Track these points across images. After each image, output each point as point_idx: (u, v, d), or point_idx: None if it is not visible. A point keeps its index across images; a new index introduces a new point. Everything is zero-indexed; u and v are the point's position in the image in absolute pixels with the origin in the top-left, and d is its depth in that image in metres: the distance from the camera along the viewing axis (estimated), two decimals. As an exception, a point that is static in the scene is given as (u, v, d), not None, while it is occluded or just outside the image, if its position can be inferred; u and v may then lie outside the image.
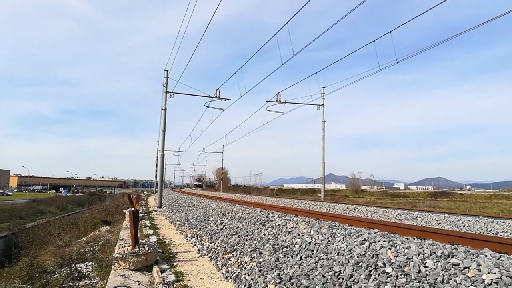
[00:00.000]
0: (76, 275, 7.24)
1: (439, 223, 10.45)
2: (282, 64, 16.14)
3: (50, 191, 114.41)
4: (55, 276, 7.08)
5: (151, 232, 11.49)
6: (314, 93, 28.26)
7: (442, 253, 4.00)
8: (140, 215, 15.58)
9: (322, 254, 5.24)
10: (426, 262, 3.91)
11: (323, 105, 28.97)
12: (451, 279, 3.50)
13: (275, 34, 14.32)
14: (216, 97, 23.31)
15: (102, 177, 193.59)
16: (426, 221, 10.89)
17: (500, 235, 8.44)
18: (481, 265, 3.51)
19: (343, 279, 4.34)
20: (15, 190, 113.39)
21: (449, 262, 3.77)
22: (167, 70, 23.18)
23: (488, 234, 8.54)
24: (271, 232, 7.30)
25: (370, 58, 20.56)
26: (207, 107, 24.38)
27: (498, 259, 3.70)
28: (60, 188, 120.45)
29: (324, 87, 28.76)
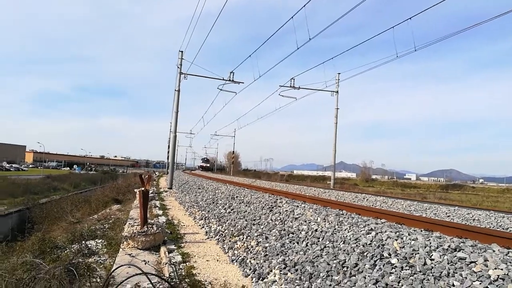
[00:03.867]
0: (86, 251, 7.41)
1: (448, 216, 10.36)
2: (298, 48, 15.92)
3: (64, 168, 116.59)
4: (65, 251, 7.26)
5: (160, 212, 11.66)
6: (328, 80, 27.90)
7: (449, 246, 3.96)
8: (150, 195, 15.81)
9: (327, 242, 5.25)
10: (432, 255, 3.88)
11: (337, 92, 28.65)
12: (456, 273, 3.47)
13: (292, 17, 14.09)
14: (229, 80, 23.20)
15: (115, 156, 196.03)
16: (435, 213, 10.80)
17: (511, 231, 8.33)
18: (488, 260, 3.47)
19: (347, 267, 4.35)
20: (30, 166, 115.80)
21: (455, 256, 3.73)
22: (182, 51, 23.11)
23: (498, 229, 8.43)
24: (278, 218, 7.33)
25: (388, 45, 20.17)
26: (221, 90, 24.32)
27: (506, 254, 3.65)
28: (74, 166, 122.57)
29: (339, 74, 28.40)
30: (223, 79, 23.21)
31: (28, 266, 6.34)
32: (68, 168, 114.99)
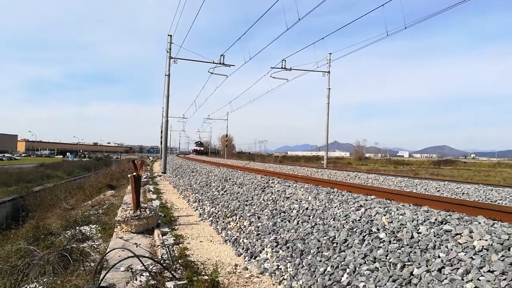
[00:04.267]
0: (80, 237, 7.45)
1: (438, 191, 10.51)
2: (288, 29, 15.78)
3: (58, 156, 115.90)
4: (59, 238, 7.30)
5: (154, 196, 11.70)
6: (320, 60, 27.69)
7: (435, 219, 4.03)
8: (144, 180, 15.83)
9: (318, 220, 5.32)
10: (419, 228, 3.95)
11: (328, 72, 28.53)
12: (442, 245, 3.54)
13: (280, -4, 13.85)
14: (220, 63, 22.98)
15: (109, 143, 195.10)
16: (426, 189, 10.95)
17: (498, 203, 8.48)
18: (473, 232, 3.53)
19: (337, 243, 4.43)
20: (23, 155, 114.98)
21: (442, 229, 3.80)
22: (171, 35, 22.77)
23: (486, 202, 8.58)
24: (270, 198, 7.39)
25: (378, 23, 19.98)
26: (211, 73, 24.12)
27: (491, 226, 3.73)
28: (67, 153, 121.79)
29: (330, 54, 28.21)
30: (214, 62, 22.98)
31: (22, 253, 6.38)
32: (61, 156, 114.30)
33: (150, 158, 59.58)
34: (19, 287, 5.22)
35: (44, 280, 5.12)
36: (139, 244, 5.21)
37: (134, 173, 7.91)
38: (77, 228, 8.52)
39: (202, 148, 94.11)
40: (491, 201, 8.90)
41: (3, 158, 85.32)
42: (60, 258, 5.64)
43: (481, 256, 3.18)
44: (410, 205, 5.28)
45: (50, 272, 5.29)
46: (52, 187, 27.91)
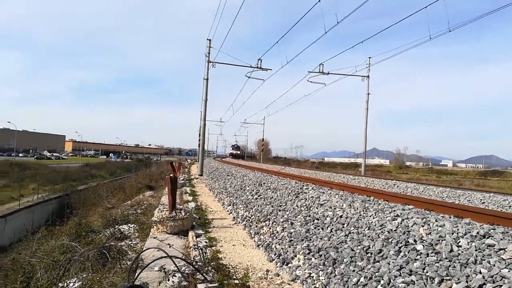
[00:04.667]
0: (119, 235, 7.71)
1: (483, 203, 9.97)
2: (326, 33, 15.57)
3: (101, 156, 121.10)
4: (99, 235, 7.60)
5: (190, 198, 11.92)
6: (359, 64, 27.26)
7: (477, 233, 3.83)
8: (181, 182, 16.18)
9: (352, 228, 5.20)
10: (459, 242, 3.77)
11: (368, 77, 27.95)
12: (484, 260, 3.36)
13: (319, 1, 13.78)
14: (257, 67, 23.14)
15: (149, 145, 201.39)
16: (469, 200, 10.42)
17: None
18: (518, 248, 3.33)
19: (371, 253, 4.30)
20: (70, 154, 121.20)
21: (484, 243, 3.61)
22: (210, 40, 23.21)
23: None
24: (304, 204, 7.32)
25: (421, 26, 19.33)
26: (248, 77, 24.34)
27: (539, 242, 3.50)
28: (110, 154, 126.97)
29: (370, 58, 27.64)
30: (251, 67, 23.18)
31: (65, 249, 6.69)
32: (105, 156, 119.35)
33: (188, 160, 60.82)
34: (60, 281, 5.49)
35: (83, 276, 5.34)
36: (172, 245, 5.31)
37: (171, 175, 8.11)
38: (116, 226, 8.83)
39: (238, 152, 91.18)
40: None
41: (52, 157, 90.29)
42: (99, 255, 5.86)
43: (526, 273, 2.98)
44: (450, 217, 5.05)
45: (89, 269, 5.52)
46: (95, 186, 29.17)
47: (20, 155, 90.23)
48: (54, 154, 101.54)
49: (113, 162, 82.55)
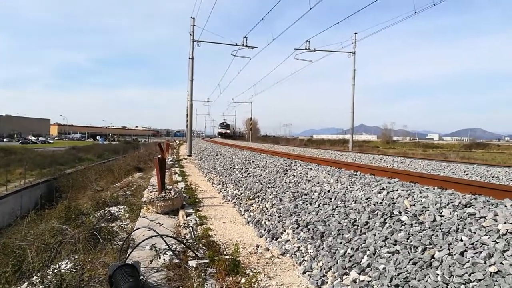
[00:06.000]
0: (109, 217, 7.74)
1: (467, 174, 10.21)
2: (310, 9, 15.42)
3: (88, 140, 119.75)
4: (89, 217, 7.61)
5: (179, 178, 11.95)
6: (345, 40, 27.10)
7: (460, 202, 3.94)
8: (170, 162, 16.17)
9: (339, 202, 5.30)
10: (442, 211, 3.88)
11: (354, 53, 27.91)
12: (465, 228, 3.47)
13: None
14: (243, 45, 22.89)
15: (137, 127, 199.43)
16: (454, 172, 10.66)
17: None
18: (498, 215, 3.44)
19: (358, 226, 4.41)
20: (55, 138, 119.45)
21: (465, 212, 3.72)
22: (194, 18, 22.80)
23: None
24: (292, 180, 7.41)
25: (406, 0, 19.23)
26: (234, 56, 24.09)
27: (518, 209, 3.62)
28: (97, 137, 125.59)
29: (355, 33, 27.52)
30: (237, 45, 22.91)
31: (55, 232, 6.70)
32: (92, 139, 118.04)
33: (176, 141, 60.57)
34: (52, 263, 5.52)
35: (75, 257, 5.38)
36: (163, 224, 5.37)
37: (159, 156, 8.10)
38: (106, 208, 8.84)
39: (228, 131, 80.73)
40: (523, 185, 8.59)
41: (37, 142, 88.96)
42: (90, 237, 5.89)
43: (505, 239, 3.10)
44: (434, 188, 5.18)
45: (80, 250, 5.55)
46: (83, 170, 28.97)
47: (5, 140, 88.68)
48: (39, 138, 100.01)
49: (101, 145, 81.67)
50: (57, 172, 28.43)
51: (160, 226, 5.08)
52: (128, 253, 4.23)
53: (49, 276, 4.50)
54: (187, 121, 24.85)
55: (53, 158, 40.15)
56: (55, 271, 4.56)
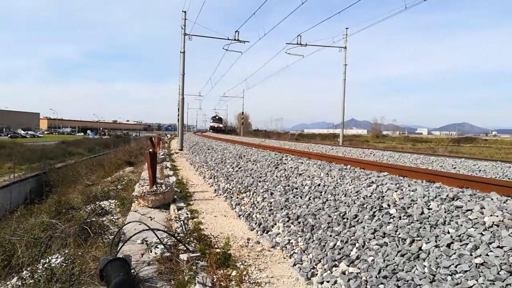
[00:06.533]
0: (100, 211, 7.70)
1: (455, 168, 10.35)
2: (302, 3, 15.42)
3: (78, 134, 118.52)
4: (80, 212, 7.57)
5: (171, 173, 11.92)
6: (336, 35, 27.16)
7: (447, 195, 4.01)
8: (161, 157, 16.11)
9: (329, 196, 5.36)
10: (430, 204, 3.95)
11: (345, 48, 27.96)
12: (452, 221, 3.54)
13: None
14: (235, 40, 22.81)
15: (128, 121, 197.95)
16: (442, 166, 10.80)
17: (517, 181, 8.32)
18: (484, 208, 3.52)
19: (347, 219, 4.47)
20: (45, 132, 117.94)
21: (452, 205, 3.79)
22: (185, 12, 22.61)
23: (502, 179, 8.42)
24: (283, 174, 7.45)
25: (397, -4, 19.29)
26: (226, 50, 24.00)
27: (504, 202, 3.69)
28: (88, 131, 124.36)
29: (347, 28, 27.57)
30: (228, 39, 22.82)
31: (45, 226, 6.65)
32: (82, 134, 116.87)
33: (168, 135, 60.24)
34: (42, 258, 5.49)
35: (66, 251, 5.36)
36: (154, 218, 5.37)
37: (151, 150, 8.07)
38: (97, 203, 8.79)
39: (221, 125, 77.21)
40: (509, 178, 8.74)
41: (27, 136, 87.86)
42: (80, 231, 5.86)
43: (491, 232, 3.17)
44: (422, 182, 5.26)
45: (71, 244, 5.53)
46: (73, 164, 28.68)
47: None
48: (29, 132, 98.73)
49: (91, 139, 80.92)
50: (47, 167, 28.10)
51: (151, 220, 5.09)
52: (119, 247, 4.22)
53: (39, 271, 4.48)
54: (178, 115, 24.77)
55: (43, 153, 39.68)
56: (45, 265, 4.55)
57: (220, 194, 8.31)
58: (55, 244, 5.88)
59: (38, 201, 12.05)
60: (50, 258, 5.29)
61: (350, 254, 3.82)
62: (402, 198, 4.32)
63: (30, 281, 4.34)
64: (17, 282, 4.66)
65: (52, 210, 8.22)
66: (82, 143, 58.31)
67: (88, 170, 22.36)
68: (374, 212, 4.28)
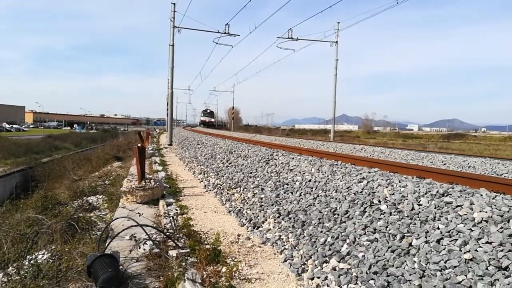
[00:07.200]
0: (87, 207, 7.59)
1: (445, 164, 10.46)
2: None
3: (65, 128, 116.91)
4: (67, 207, 7.45)
5: (160, 168, 11.81)
6: (328, 30, 27.17)
7: (437, 191, 4.03)
8: (150, 152, 15.95)
9: (320, 191, 5.35)
10: (420, 200, 3.96)
11: (336, 42, 27.99)
12: (442, 217, 3.55)
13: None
14: (225, 33, 22.65)
15: (116, 115, 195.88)
16: (432, 162, 10.90)
17: (504, 176, 8.44)
18: (473, 204, 3.53)
19: (338, 215, 4.46)
20: (31, 126, 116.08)
21: (442, 201, 3.80)
22: (174, 3, 22.33)
23: (491, 175, 8.54)
24: (274, 170, 7.42)
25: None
26: (216, 43, 23.83)
27: (493, 198, 3.72)
28: (75, 125, 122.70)
29: (338, 23, 27.58)
30: (218, 32, 22.65)
31: (31, 222, 6.53)
32: (69, 128, 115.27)
33: (157, 130, 59.81)
34: (28, 254, 5.39)
35: (52, 247, 5.27)
36: (142, 214, 5.31)
37: (139, 145, 7.97)
38: (84, 198, 8.67)
39: (212, 120, 72.94)
40: (498, 175, 8.86)
41: (12, 129, 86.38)
42: (67, 227, 5.76)
43: (480, 227, 3.19)
44: (413, 178, 5.28)
45: (58, 240, 5.43)
46: (60, 158, 28.24)
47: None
48: (14, 126, 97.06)
49: (78, 133, 79.80)
50: (32, 161, 27.63)
51: (140, 215, 5.02)
52: (107, 243, 4.16)
53: (25, 267, 4.39)
54: (167, 109, 24.52)
55: (29, 147, 38.96)
56: (32, 261, 4.46)
57: (210, 190, 8.25)
58: (41, 240, 5.77)
59: (24, 196, 11.85)
60: (36, 254, 5.19)
61: (340, 250, 3.81)
62: (393, 194, 4.33)
63: (16, 277, 4.25)
64: (3, 279, 4.56)
65: (39, 205, 8.06)
66: (69, 137, 57.39)
67: (75, 165, 22.05)
68: (365, 208, 4.28)
